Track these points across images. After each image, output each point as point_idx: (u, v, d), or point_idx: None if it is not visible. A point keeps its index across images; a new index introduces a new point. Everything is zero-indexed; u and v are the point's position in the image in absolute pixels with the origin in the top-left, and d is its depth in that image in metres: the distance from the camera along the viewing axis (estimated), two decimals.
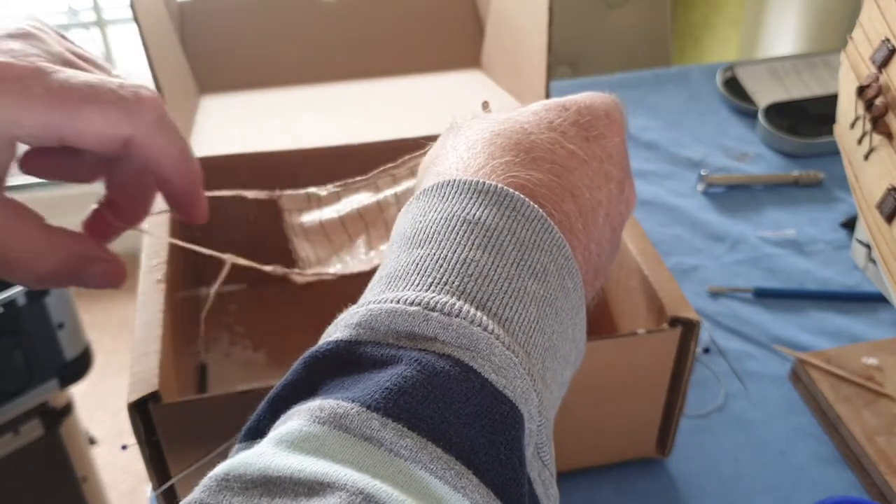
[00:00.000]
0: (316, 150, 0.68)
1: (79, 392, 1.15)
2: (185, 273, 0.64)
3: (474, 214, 0.31)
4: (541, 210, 0.31)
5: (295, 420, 0.25)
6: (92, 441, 1.21)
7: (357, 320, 0.28)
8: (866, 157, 0.48)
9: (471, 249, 0.30)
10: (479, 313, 0.28)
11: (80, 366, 1.04)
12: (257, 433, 0.26)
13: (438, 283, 0.29)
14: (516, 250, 0.30)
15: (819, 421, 0.61)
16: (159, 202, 0.44)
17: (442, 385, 0.26)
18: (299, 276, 0.58)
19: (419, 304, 0.28)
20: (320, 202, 0.64)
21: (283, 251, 0.73)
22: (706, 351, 0.67)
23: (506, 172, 0.32)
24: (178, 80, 0.74)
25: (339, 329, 0.29)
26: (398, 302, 0.28)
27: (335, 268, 0.60)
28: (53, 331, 0.99)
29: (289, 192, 0.64)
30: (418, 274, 0.29)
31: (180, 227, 0.63)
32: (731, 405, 0.63)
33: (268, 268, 0.55)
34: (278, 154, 0.67)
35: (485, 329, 0.27)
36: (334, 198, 0.64)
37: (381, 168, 0.60)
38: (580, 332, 0.33)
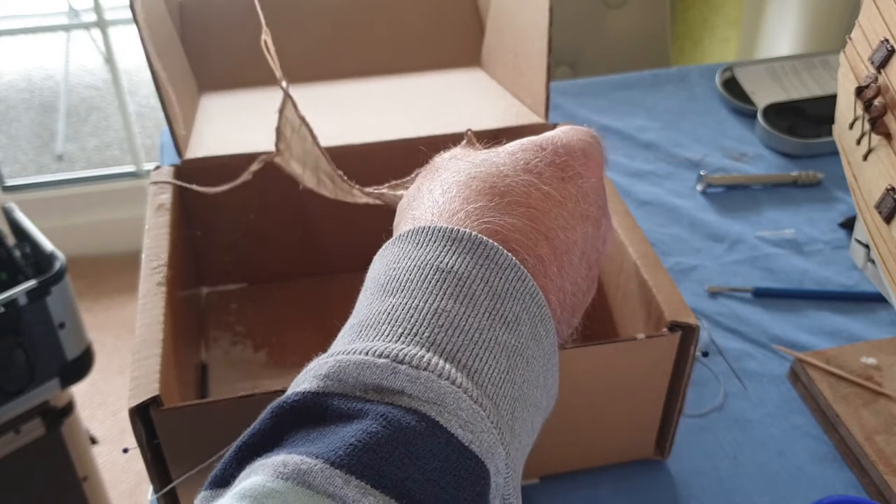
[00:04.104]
0: None
1: (80, 391, 1.15)
2: (186, 275, 0.64)
3: (447, 263, 0.31)
4: (514, 258, 0.31)
5: (259, 475, 0.25)
6: (93, 440, 1.21)
7: (326, 371, 0.28)
8: (865, 157, 0.48)
9: (443, 299, 0.30)
10: (447, 366, 0.28)
11: (81, 365, 1.05)
12: (223, 482, 0.26)
13: (408, 335, 0.29)
14: (489, 300, 0.30)
15: (818, 420, 0.61)
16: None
17: (407, 441, 0.26)
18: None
19: (388, 357, 0.27)
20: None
21: (283, 252, 0.74)
22: (705, 354, 0.67)
23: (480, 218, 0.32)
24: (179, 79, 0.74)
25: (307, 380, 0.28)
26: (367, 353, 0.28)
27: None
28: (54, 330, 1.00)
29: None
30: (389, 324, 0.29)
31: (180, 226, 0.63)
32: (730, 405, 0.63)
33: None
34: None
35: (453, 382, 0.27)
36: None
37: (413, 174, 0.60)
38: (552, 378, 0.33)
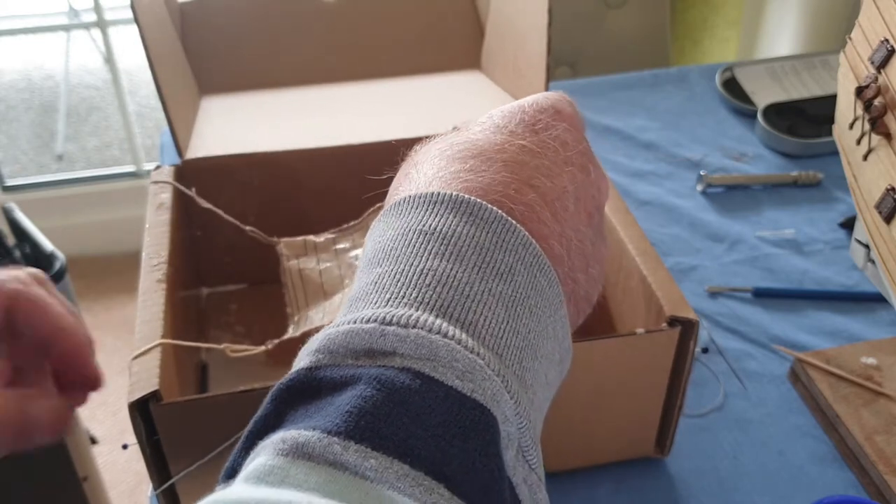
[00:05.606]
0: (316, 150, 0.68)
1: None
2: (186, 273, 0.64)
3: (430, 225, 0.30)
4: (499, 211, 0.31)
5: (261, 456, 0.25)
6: (93, 440, 1.21)
7: (316, 346, 0.28)
8: (865, 157, 0.48)
9: (428, 259, 0.29)
10: (438, 321, 0.27)
11: None
12: (233, 472, 0.26)
13: (395, 298, 0.28)
14: (476, 254, 0.30)
15: (818, 420, 0.61)
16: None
17: (403, 400, 0.25)
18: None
19: (375, 321, 0.27)
20: (316, 248, 0.65)
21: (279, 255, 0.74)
22: (705, 350, 0.67)
23: (456, 180, 0.32)
24: (179, 80, 0.74)
25: (301, 358, 0.29)
26: (354, 322, 0.28)
27: (318, 318, 0.61)
28: None
29: (286, 239, 0.65)
30: (376, 292, 0.29)
31: (181, 226, 0.63)
32: (731, 405, 0.63)
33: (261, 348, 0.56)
34: (278, 154, 0.68)
35: (445, 336, 0.27)
36: (330, 243, 0.65)
37: (370, 210, 0.61)
38: (562, 330, 0.32)
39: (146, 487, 0.44)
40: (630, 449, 0.58)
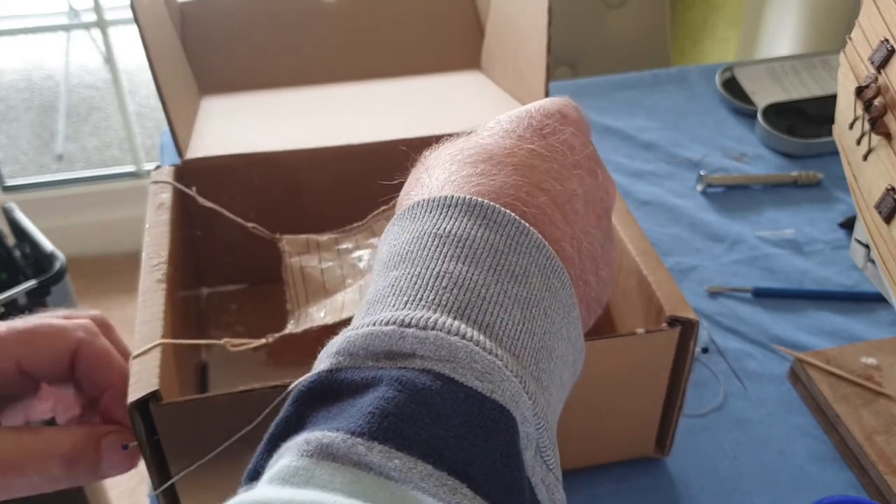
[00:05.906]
0: (316, 150, 0.68)
1: None
2: (186, 273, 0.64)
3: (444, 228, 0.31)
4: (511, 213, 0.31)
5: (285, 457, 0.25)
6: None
7: (336, 349, 0.28)
8: (865, 157, 0.48)
9: (444, 262, 0.30)
10: (456, 323, 0.28)
11: None
12: (256, 474, 0.27)
13: (413, 301, 0.29)
14: (491, 256, 0.30)
15: (818, 420, 0.61)
16: None
17: (425, 401, 0.26)
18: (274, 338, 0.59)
19: (394, 323, 0.28)
20: (319, 247, 0.65)
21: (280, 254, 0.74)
22: (705, 350, 0.67)
23: (468, 184, 0.33)
24: (179, 80, 0.74)
25: (321, 361, 0.29)
26: (374, 324, 0.28)
27: (318, 316, 0.61)
28: None
29: (289, 236, 0.65)
30: (394, 295, 0.29)
31: (181, 226, 0.63)
32: (730, 405, 0.63)
33: (260, 341, 0.55)
34: (278, 154, 0.68)
35: (463, 337, 0.27)
36: (333, 243, 0.65)
37: (375, 212, 0.61)
38: (575, 331, 0.33)
39: (146, 487, 0.44)
40: (630, 449, 0.58)
